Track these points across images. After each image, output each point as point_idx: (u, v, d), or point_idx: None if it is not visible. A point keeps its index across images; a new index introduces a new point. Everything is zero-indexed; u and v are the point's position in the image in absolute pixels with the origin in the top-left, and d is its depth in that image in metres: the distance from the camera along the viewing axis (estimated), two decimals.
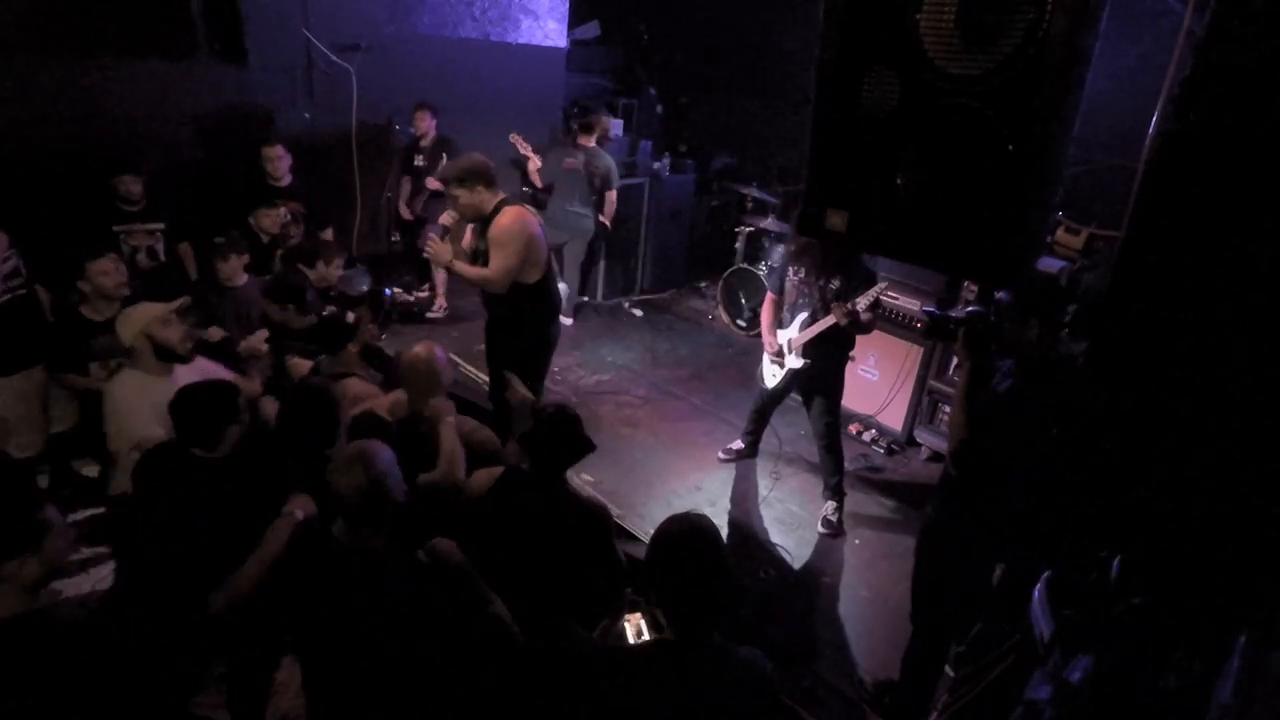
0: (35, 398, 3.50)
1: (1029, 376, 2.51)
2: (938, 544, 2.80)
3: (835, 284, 3.64)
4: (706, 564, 1.83)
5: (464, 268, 3.54)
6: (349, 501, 2.10)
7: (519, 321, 3.71)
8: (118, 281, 3.50)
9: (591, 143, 5.79)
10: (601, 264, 6.68)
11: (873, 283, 3.66)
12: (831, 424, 3.92)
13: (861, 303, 3.53)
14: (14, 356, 3.40)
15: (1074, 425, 2.52)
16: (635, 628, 2.47)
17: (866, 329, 3.68)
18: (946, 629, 2.80)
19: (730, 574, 1.86)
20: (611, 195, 5.86)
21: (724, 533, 3.87)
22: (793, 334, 3.83)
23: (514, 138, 5.91)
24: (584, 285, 6.60)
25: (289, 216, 4.77)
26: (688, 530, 1.89)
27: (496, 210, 3.50)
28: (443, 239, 3.57)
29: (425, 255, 3.89)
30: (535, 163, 5.89)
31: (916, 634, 2.88)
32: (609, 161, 5.82)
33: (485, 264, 3.52)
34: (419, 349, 3.02)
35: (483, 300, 3.83)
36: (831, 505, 3.99)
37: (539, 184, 5.99)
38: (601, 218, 5.92)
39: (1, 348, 3.36)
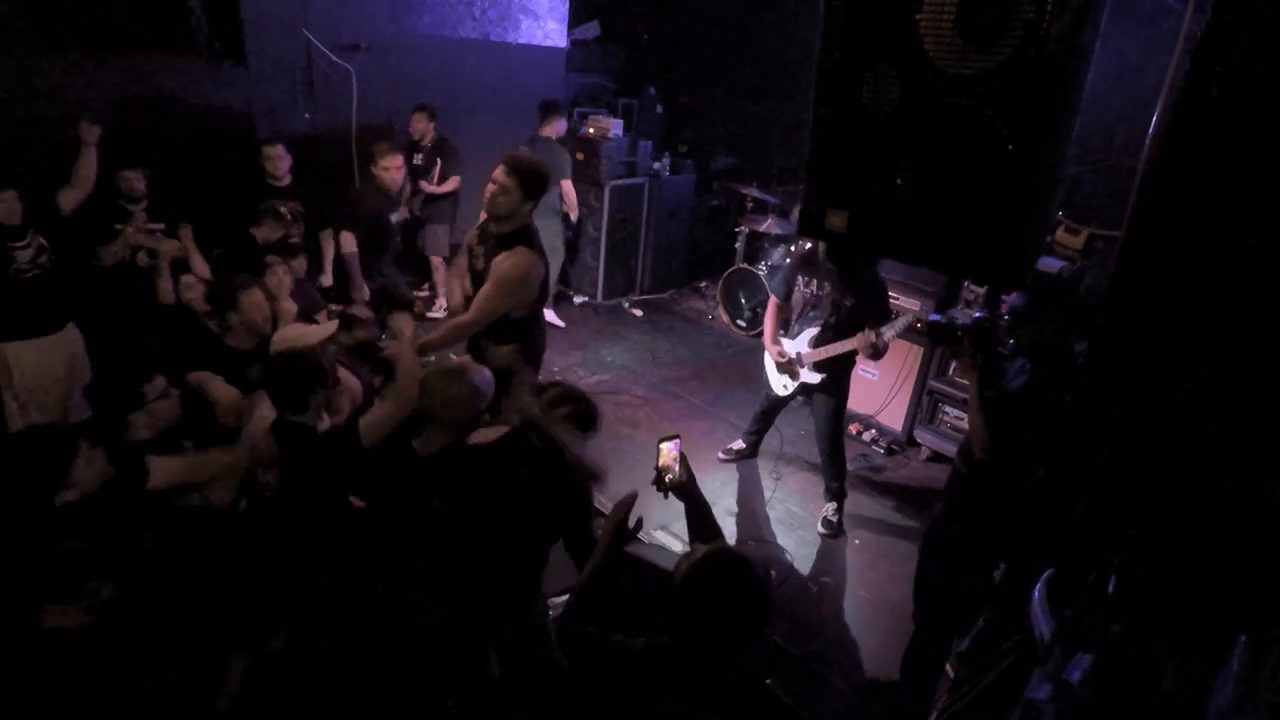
0: (58, 365, 3.71)
1: (1045, 372, 2.54)
2: (945, 541, 2.80)
3: (849, 301, 3.58)
4: (741, 623, 1.69)
5: (441, 335, 3.25)
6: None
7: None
8: (266, 315, 3.49)
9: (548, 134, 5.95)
10: (602, 263, 6.68)
11: (886, 298, 3.65)
12: (836, 429, 3.90)
13: (888, 334, 3.50)
14: (39, 320, 3.66)
15: (1074, 426, 2.53)
16: None
17: (879, 355, 3.63)
18: (949, 627, 2.80)
19: (761, 630, 1.73)
20: (566, 185, 6.02)
21: (724, 532, 3.91)
22: (803, 348, 3.78)
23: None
24: (564, 279, 6.90)
25: (288, 216, 4.77)
26: (726, 577, 1.71)
27: (517, 236, 3.18)
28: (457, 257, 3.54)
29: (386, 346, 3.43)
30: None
31: (918, 632, 2.88)
32: (559, 156, 5.97)
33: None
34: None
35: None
36: (832, 506, 3.98)
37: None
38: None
39: (27, 313, 3.62)
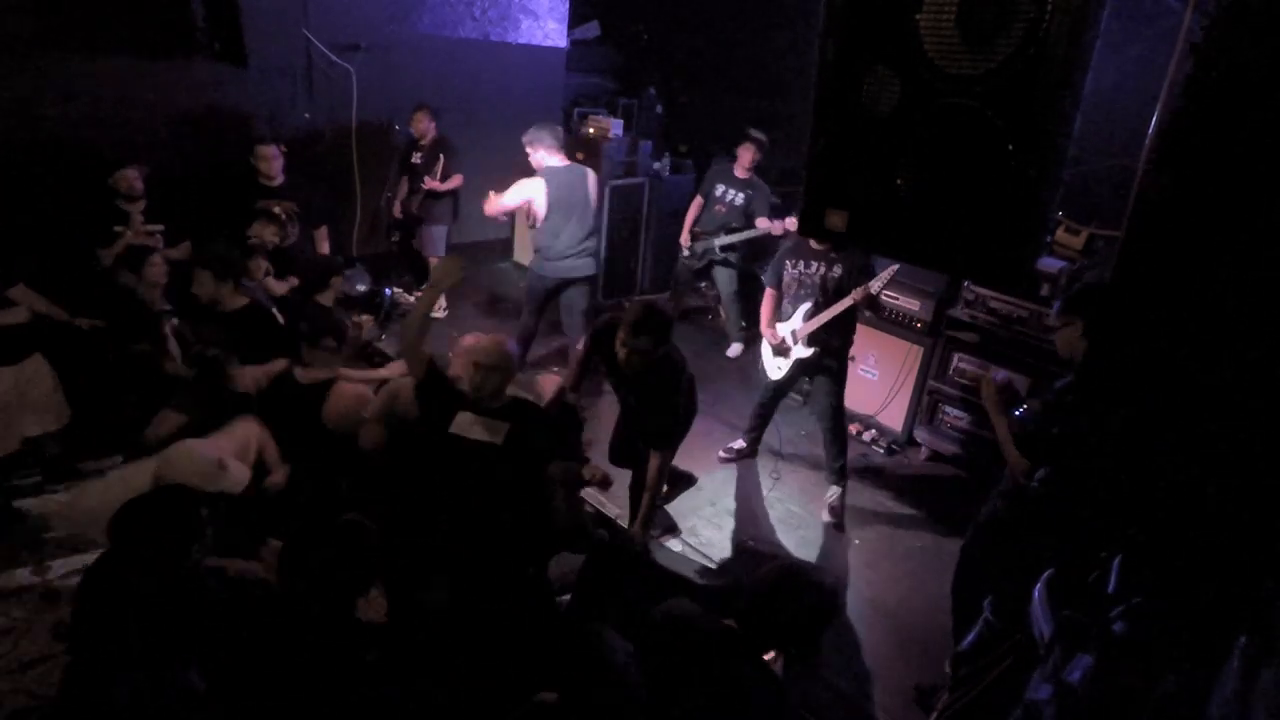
0: (46, 379, 3.61)
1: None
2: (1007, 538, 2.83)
3: (837, 270, 3.77)
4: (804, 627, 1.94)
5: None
6: None
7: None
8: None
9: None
10: (602, 264, 6.68)
11: (869, 260, 3.80)
12: (837, 405, 3.99)
13: (875, 285, 3.67)
14: (16, 349, 3.54)
15: (1075, 425, 2.53)
16: None
17: (879, 309, 3.99)
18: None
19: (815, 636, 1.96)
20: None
21: (725, 531, 3.92)
22: (796, 324, 3.91)
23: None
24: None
25: (282, 216, 4.77)
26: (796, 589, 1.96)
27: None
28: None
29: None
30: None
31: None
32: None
33: None
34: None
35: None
36: (835, 491, 4.02)
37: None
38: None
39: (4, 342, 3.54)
